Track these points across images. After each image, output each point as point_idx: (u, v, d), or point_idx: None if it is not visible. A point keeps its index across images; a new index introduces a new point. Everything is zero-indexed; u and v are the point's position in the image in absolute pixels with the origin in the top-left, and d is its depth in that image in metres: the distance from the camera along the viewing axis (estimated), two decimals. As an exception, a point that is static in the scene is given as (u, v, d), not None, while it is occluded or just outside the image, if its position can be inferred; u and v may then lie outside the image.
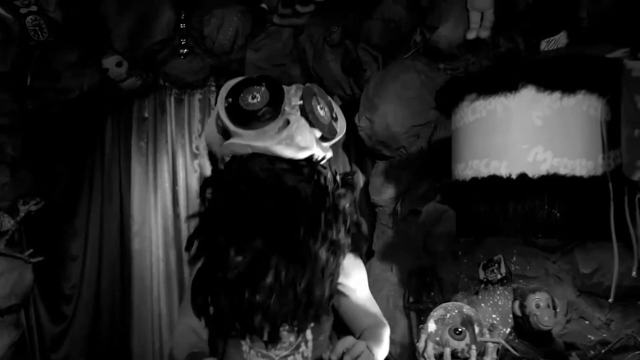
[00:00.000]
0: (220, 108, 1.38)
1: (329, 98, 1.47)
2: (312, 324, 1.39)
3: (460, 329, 1.48)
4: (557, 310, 1.68)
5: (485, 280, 2.60)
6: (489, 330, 1.43)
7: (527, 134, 1.76)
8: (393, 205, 3.05)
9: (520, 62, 1.79)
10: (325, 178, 1.33)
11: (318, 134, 1.35)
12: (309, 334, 1.43)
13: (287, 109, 1.34)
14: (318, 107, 1.37)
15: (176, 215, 3.58)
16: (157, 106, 3.60)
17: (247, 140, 1.31)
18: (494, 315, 2.49)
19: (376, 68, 3.06)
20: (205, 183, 1.41)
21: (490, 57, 2.61)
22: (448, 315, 1.50)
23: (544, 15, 2.01)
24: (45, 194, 3.09)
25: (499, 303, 2.52)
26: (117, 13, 3.00)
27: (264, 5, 3.27)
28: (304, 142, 1.28)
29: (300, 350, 1.44)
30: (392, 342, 2.92)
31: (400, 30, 2.96)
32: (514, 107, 1.77)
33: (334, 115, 1.44)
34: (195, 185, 3.55)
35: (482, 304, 2.54)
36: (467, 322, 1.51)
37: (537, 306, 1.62)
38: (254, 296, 1.24)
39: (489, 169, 1.82)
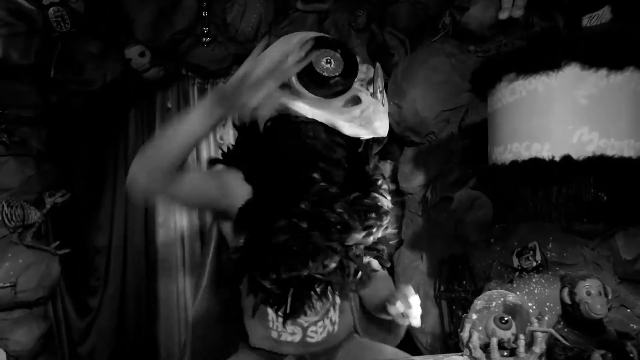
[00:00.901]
0: (291, 62, 1.26)
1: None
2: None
3: (506, 318, 1.42)
4: (610, 297, 1.61)
5: (519, 268, 2.53)
6: (537, 319, 1.36)
7: (571, 115, 1.68)
8: (423, 193, 2.98)
9: (562, 38, 1.71)
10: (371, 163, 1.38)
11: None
12: (337, 297, 1.43)
13: (356, 84, 1.32)
14: (384, 92, 1.41)
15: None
16: (180, 96, 3.56)
17: (310, 104, 1.25)
18: (529, 304, 2.42)
19: (403, 52, 2.98)
20: (241, 142, 1.40)
21: (523, 38, 2.51)
22: (493, 303, 1.44)
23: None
24: (71, 187, 3.08)
25: (535, 291, 2.44)
26: (138, 2, 2.95)
27: (287, -9, 3.21)
28: (382, 130, 1.27)
29: (329, 314, 1.43)
30: (423, 331, 2.89)
31: (427, 13, 2.88)
32: (556, 86, 1.69)
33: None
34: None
35: (517, 293, 2.46)
36: (513, 310, 1.44)
37: (588, 293, 1.54)
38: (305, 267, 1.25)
39: (530, 152, 1.75)
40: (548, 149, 1.70)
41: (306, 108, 1.25)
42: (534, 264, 2.47)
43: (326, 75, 1.25)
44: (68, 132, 3.18)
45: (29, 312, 2.83)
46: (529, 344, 1.35)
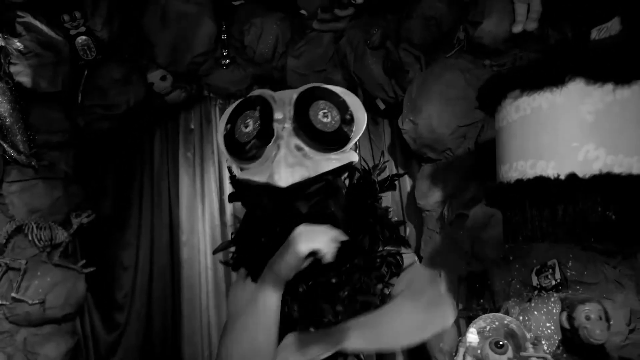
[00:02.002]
0: (219, 135, 1.26)
1: (342, 96, 1.26)
2: None
3: (502, 342, 1.38)
4: (611, 322, 1.53)
5: (538, 286, 2.46)
6: (533, 344, 1.33)
7: (576, 131, 1.63)
8: (440, 210, 2.95)
9: (567, 53, 1.67)
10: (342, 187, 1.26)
11: (315, 155, 1.17)
12: None
13: (278, 128, 1.17)
14: (319, 115, 1.19)
15: (223, 223, 3.62)
16: (202, 117, 3.67)
17: (247, 175, 1.18)
18: (548, 324, 2.34)
19: (418, 68, 2.97)
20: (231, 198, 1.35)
21: (539, 51, 2.47)
22: (488, 327, 1.41)
23: (594, 2, 1.86)
24: (97, 207, 3.20)
25: (554, 311, 2.36)
26: (159, 28, 3.07)
27: (303, 12, 3.27)
28: (280, 180, 1.10)
29: None
30: (441, 350, 2.83)
31: (441, 28, 2.86)
32: (561, 102, 1.65)
33: (347, 116, 1.23)
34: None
35: (535, 312, 2.39)
36: (509, 334, 1.41)
37: (587, 318, 1.48)
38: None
39: (535, 170, 1.71)
40: (553, 167, 1.65)
41: (246, 179, 1.19)
42: (553, 282, 2.40)
43: (244, 141, 1.18)
44: (95, 154, 3.32)
45: (57, 327, 2.94)
46: (526, 370, 1.32)
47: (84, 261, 3.03)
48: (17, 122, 2.73)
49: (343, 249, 1.15)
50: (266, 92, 1.23)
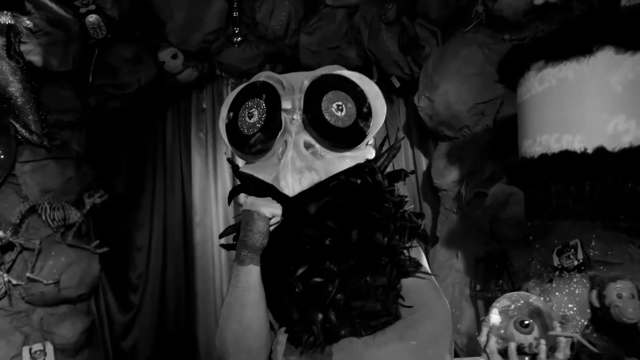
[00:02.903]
0: (220, 122, 1.15)
1: (360, 85, 1.12)
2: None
3: (527, 322, 1.33)
4: (644, 300, 1.48)
5: (560, 267, 2.39)
6: (561, 323, 1.27)
7: (605, 103, 1.56)
8: (457, 189, 2.88)
9: (595, 20, 1.58)
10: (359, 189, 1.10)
11: (327, 153, 1.07)
12: None
13: (286, 119, 1.07)
14: (333, 107, 1.06)
15: (237, 204, 3.59)
16: (214, 96, 3.62)
17: (251, 170, 1.10)
18: (570, 305, 2.28)
19: (435, 44, 2.89)
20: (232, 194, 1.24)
21: (562, 23, 2.36)
22: (513, 306, 1.35)
23: (623, -32, 1.77)
24: (109, 187, 3.18)
25: (576, 292, 2.30)
26: (169, 6, 3.01)
27: (316, -13, 3.18)
28: (288, 189, 1.02)
29: None
30: (458, 332, 2.79)
31: (459, 2, 2.78)
32: (588, 73, 1.58)
33: (365, 109, 1.10)
34: (253, 174, 3.54)
35: (557, 293, 2.34)
36: (535, 313, 1.35)
37: (619, 296, 1.42)
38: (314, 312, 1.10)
39: (560, 144, 1.64)
40: (580, 140, 1.58)
41: (249, 175, 1.10)
42: (576, 262, 2.34)
43: (248, 134, 1.08)
44: (106, 134, 3.29)
45: (72, 307, 2.95)
46: (552, 349, 1.26)
47: (98, 241, 3.02)
48: (28, 101, 2.70)
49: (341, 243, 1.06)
50: (273, 77, 1.11)
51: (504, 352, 1.29)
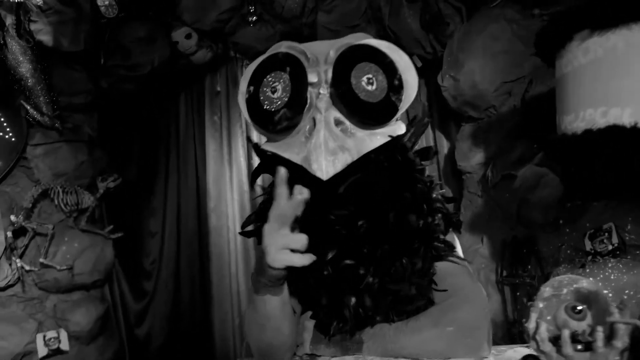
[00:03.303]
0: (240, 97, 1.07)
1: (389, 55, 1.02)
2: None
3: (580, 307, 1.23)
4: None
5: (592, 251, 2.29)
6: (619, 308, 1.17)
7: (658, 73, 1.45)
8: (483, 171, 2.78)
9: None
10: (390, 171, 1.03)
11: (357, 131, 0.99)
12: None
13: (312, 94, 0.99)
14: (363, 81, 0.98)
15: (252, 190, 3.51)
16: (229, 79, 3.52)
17: (276, 149, 1.02)
18: (605, 292, 2.19)
19: (459, 21, 2.77)
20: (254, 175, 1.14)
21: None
22: (564, 290, 1.25)
23: None
24: (122, 172, 3.10)
25: (611, 277, 2.20)
26: (183, -17, 2.91)
27: (333, -37, 3.06)
28: (321, 172, 0.94)
29: None
30: (485, 319, 2.71)
31: (485, -24, 2.65)
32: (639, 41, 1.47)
33: (396, 82, 1.00)
34: (269, 158, 3.45)
35: (591, 278, 2.24)
36: (588, 298, 1.25)
37: (682, 280, 1.33)
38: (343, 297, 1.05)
39: (607, 119, 1.54)
40: (630, 114, 1.48)
41: (272, 155, 1.03)
42: (610, 247, 2.23)
43: (271, 110, 1.00)
44: (119, 117, 3.22)
45: (87, 294, 2.89)
46: (609, 337, 1.16)
47: (112, 227, 2.95)
48: (39, 83, 2.62)
49: (372, 229, 0.99)
50: (296, 48, 1.03)
51: (555, 340, 1.20)
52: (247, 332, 1.11)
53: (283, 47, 1.06)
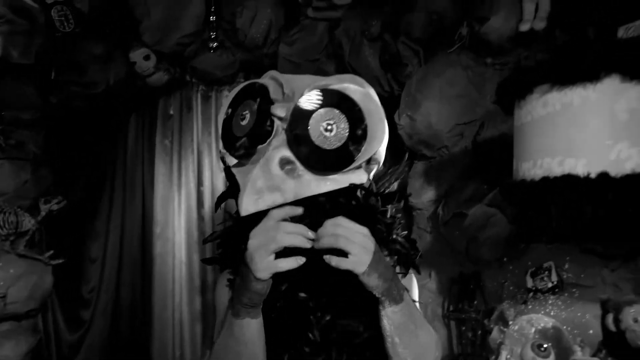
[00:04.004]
0: (220, 116, 1.10)
1: (363, 104, 1.02)
2: None
3: (545, 345, 1.31)
4: (659, 325, 1.51)
5: (534, 288, 2.43)
6: (580, 346, 1.26)
7: (609, 129, 1.59)
8: (433, 208, 2.89)
9: (601, 49, 1.63)
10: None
11: (306, 173, 0.99)
12: None
13: (280, 129, 1.01)
14: (322, 126, 0.99)
15: (200, 217, 3.43)
16: (183, 103, 3.46)
17: (236, 171, 1.04)
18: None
19: (417, 63, 2.90)
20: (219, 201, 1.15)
21: (544, 51, 2.45)
22: (532, 329, 1.33)
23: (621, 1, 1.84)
24: (66, 193, 2.95)
25: (551, 313, 2.34)
26: (145, 4, 2.85)
27: (298, -2, 3.13)
28: (241, 208, 0.96)
29: None
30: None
31: (443, 23, 2.80)
32: (594, 99, 1.61)
33: (359, 131, 1.00)
34: (221, 186, 3.40)
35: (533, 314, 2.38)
36: (553, 337, 1.34)
37: (635, 320, 1.45)
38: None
39: (562, 168, 1.66)
40: (583, 165, 1.61)
41: (236, 182, 1.03)
42: (550, 284, 2.38)
43: (237, 135, 1.04)
44: (66, 136, 3.06)
45: (17, 325, 2.68)
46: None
47: (52, 252, 2.77)
48: (-18, 94, 2.47)
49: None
50: (278, 80, 1.05)
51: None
52: None
53: (268, 76, 1.08)
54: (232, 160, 1.08)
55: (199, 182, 3.43)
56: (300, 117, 0.98)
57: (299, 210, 0.97)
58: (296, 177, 0.98)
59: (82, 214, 3.22)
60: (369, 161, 1.07)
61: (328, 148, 0.98)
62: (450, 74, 2.71)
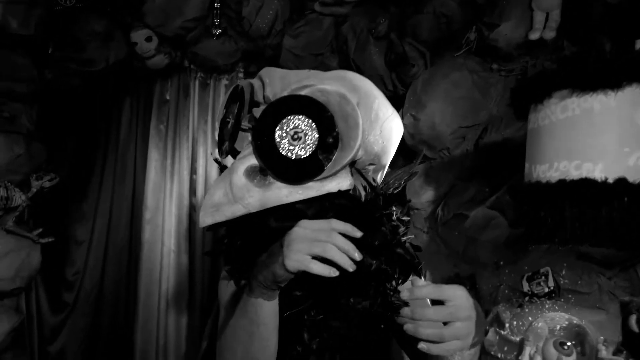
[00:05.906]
0: (217, 115, 1.16)
1: (335, 106, 0.98)
2: None
3: (568, 343, 1.32)
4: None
5: (530, 292, 2.47)
6: (604, 345, 1.28)
7: (628, 137, 1.62)
8: (431, 209, 2.90)
9: (624, 58, 1.67)
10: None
11: (275, 182, 0.97)
12: None
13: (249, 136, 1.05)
14: (289, 136, 0.96)
15: (192, 205, 3.37)
16: (180, 89, 3.39)
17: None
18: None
19: (423, 65, 2.91)
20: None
21: (551, 60, 2.49)
22: (558, 326, 1.34)
23: (637, 13, 1.89)
24: (56, 170, 2.84)
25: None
26: (151, -17, 2.79)
27: (306, -8, 3.12)
28: (200, 219, 0.96)
29: None
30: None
31: (451, 27, 2.83)
32: (614, 106, 1.64)
33: (330, 139, 0.96)
34: (215, 175, 3.35)
35: (530, 318, 2.40)
36: (576, 335, 1.35)
37: (658, 322, 1.48)
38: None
39: (580, 172, 1.68)
40: (601, 170, 1.64)
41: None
42: (546, 289, 2.42)
43: (223, 135, 1.09)
44: (60, 112, 2.95)
45: (0, 303, 2.57)
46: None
47: (41, 230, 2.66)
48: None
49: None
50: (261, 78, 1.05)
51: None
52: (227, 344, 1.00)
53: (258, 74, 1.09)
54: (227, 161, 1.08)
55: (192, 170, 3.37)
56: (266, 126, 0.95)
57: (357, 234, 0.90)
58: (264, 185, 0.96)
59: (70, 194, 3.11)
60: (371, 164, 1.06)
61: (295, 158, 0.95)
62: (456, 77, 2.73)
